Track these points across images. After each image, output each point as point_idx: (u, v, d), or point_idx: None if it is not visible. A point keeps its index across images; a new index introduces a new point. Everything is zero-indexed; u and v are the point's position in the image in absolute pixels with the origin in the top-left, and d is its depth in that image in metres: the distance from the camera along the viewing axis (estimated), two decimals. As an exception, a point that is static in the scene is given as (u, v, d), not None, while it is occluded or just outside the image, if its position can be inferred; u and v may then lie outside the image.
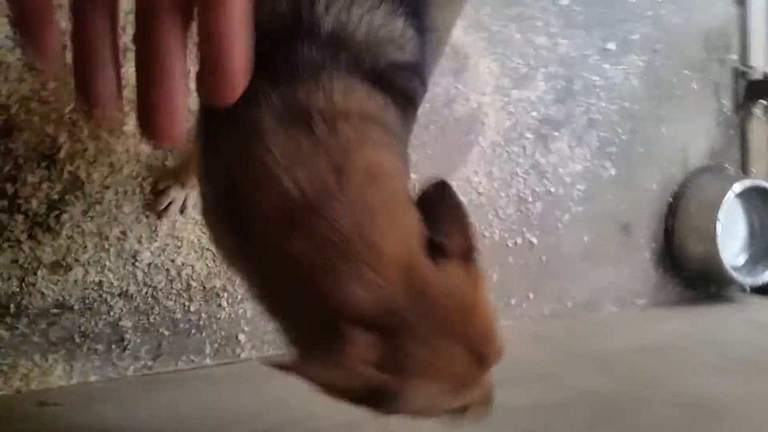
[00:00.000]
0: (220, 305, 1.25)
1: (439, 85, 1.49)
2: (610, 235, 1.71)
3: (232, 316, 1.26)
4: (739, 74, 1.90)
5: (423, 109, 1.43)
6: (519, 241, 1.62)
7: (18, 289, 1.10)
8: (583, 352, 1.41)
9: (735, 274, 1.71)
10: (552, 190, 1.64)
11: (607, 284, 1.73)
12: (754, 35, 1.94)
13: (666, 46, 1.77)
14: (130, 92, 0.26)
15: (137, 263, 1.18)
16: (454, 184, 1.47)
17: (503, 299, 1.62)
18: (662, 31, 1.77)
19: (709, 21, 1.84)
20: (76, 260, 1.14)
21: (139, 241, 1.19)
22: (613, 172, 1.72)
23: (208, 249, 1.23)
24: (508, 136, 1.58)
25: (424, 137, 1.48)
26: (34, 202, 1.11)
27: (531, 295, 1.66)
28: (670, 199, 1.79)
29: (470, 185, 1.55)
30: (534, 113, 1.61)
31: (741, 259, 1.82)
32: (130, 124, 1.14)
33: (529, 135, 1.61)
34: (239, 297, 1.26)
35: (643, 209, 1.77)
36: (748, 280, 1.74)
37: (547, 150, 1.63)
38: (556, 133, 1.64)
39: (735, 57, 1.90)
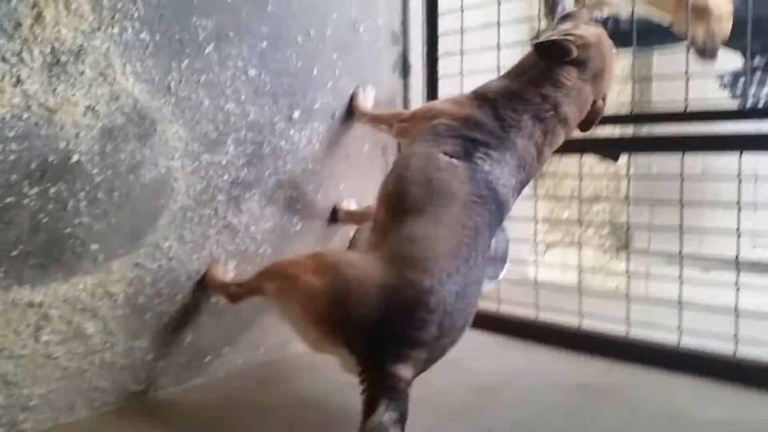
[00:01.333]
0: None
1: (123, 150, 1.49)
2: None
3: None
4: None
5: (104, 177, 1.43)
6: (214, 299, 1.72)
7: None
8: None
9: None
10: (244, 248, 1.78)
11: (296, 329, 1.94)
12: (414, 103, 2.39)
13: (341, 114, 2.06)
14: None
15: None
16: (142, 252, 1.50)
17: (198, 359, 1.71)
18: (340, 100, 2.06)
19: (381, 92, 2.20)
20: None
21: None
22: (299, 227, 1.94)
23: None
24: (199, 199, 1.66)
25: (106, 205, 1.47)
26: None
27: (226, 350, 1.77)
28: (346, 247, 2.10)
29: (160, 251, 1.59)
30: (225, 176, 1.72)
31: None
32: None
33: (221, 197, 1.72)
34: None
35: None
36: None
37: (239, 210, 1.77)
38: (247, 195, 1.78)
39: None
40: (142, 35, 1.51)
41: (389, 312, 1.15)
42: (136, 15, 1.49)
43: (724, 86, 2.55)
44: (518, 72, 1.58)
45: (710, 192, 2.08)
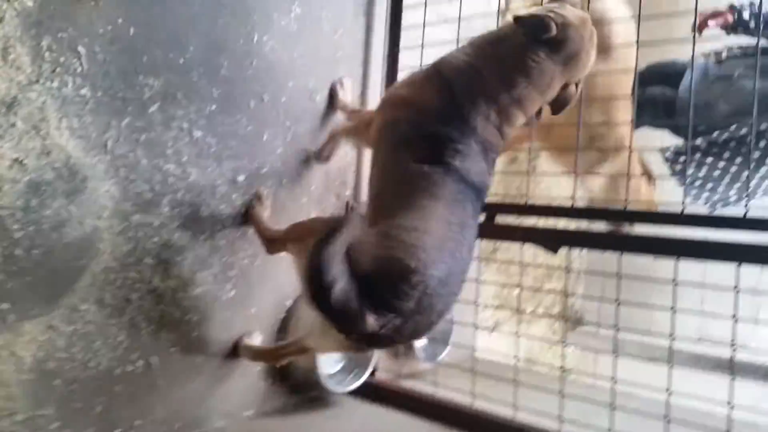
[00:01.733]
0: None
1: (49, 207, 1.44)
2: (221, 353, 1.87)
3: None
4: (349, 207, 2.31)
5: (25, 233, 1.38)
6: (130, 368, 1.64)
7: None
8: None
9: (328, 382, 2.05)
10: (169, 314, 1.72)
11: (217, 400, 1.87)
12: (365, 172, 2.40)
13: (290, 182, 2.05)
14: None
15: None
16: (57, 313, 1.43)
17: (107, 430, 1.61)
18: (289, 166, 2.05)
19: (334, 162, 2.21)
20: None
21: None
22: (232, 293, 1.89)
23: None
24: (124, 262, 1.61)
25: (23, 262, 1.40)
26: None
27: (138, 422, 1.68)
28: (283, 315, 2.06)
29: (77, 314, 1.52)
30: (156, 238, 1.67)
31: (337, 367, 2.19)
32: None
33: (148, 260, 1.66)
34: None
35: (259, 324, 1.99)
36: (338, 388, 2.10)
37: (167, 275, 1.71)
38: (178, 258, 1.73)
39: (348, 192, 2.32)
40: (83, 91, 1.48)
41: (376, 275, 1.29)
42: (78, 70, 1.47)
43: (666, 160, 2.64)
44: (485, 44, 1.59)
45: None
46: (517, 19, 1.53)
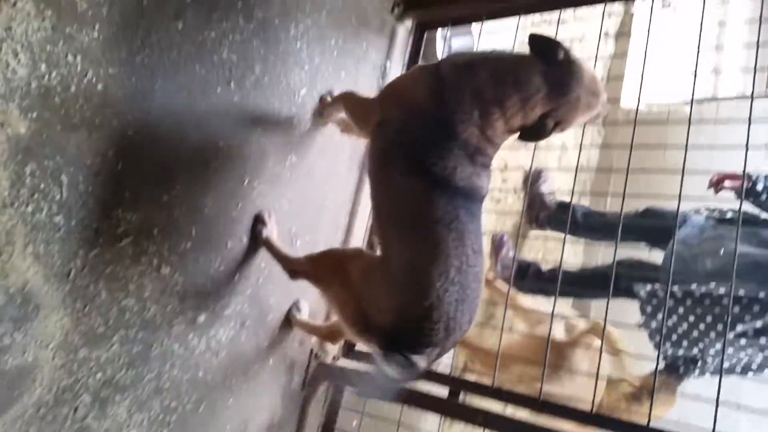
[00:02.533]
0: None
1: (-10, 332, 1.39)
2: None
3: None
4: (313, 355, 2.26)
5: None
6: None
7: None
8: None
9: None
10: (94, 457, 1.62)
11: None
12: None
13: (253, 324, 2.01)
14: None
15: None
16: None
17: None
18: (256, 308, 2.02)
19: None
20: None
21: None
22: (168, 441, 1.79)
23: None
24: (60, 397, 1.53)
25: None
26: None
27: None
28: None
29: (-7, 449, 1.42)
30: (99, 375, 1.61)
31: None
32: None
33: (86, 397, 1.59)
34: None
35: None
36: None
37: (103, 414, 1.63)
38: (118, 397, 1.66)
39: (314, 340, 2.27)
40: (57, 219, 1.49)
41: (401, 326, 1.47)
42: (57, 198, 1.48)
43: (640, 299, 2.65)
44: (495, 52, 1.62)
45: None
46: (531, 35, 1.56)
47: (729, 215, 2.75)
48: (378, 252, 1.76)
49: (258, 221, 1.98)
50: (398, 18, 2.39)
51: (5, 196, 1.40)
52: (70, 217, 1.51)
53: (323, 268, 1.78)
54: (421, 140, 1.53)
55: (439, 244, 1.47)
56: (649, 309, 2.57)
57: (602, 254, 4.02)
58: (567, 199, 3.50)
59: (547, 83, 1.50)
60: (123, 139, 1.59)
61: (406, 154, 1.56)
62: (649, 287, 2.61)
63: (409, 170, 1.53)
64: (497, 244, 3.23)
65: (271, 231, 1.99)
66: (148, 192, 1.67)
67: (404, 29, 2.43)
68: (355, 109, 1.91)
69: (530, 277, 3.12)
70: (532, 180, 3.46)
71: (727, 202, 2.82)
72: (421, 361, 1.45)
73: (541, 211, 3.37)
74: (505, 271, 3.18)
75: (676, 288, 2.50)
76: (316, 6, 2.08)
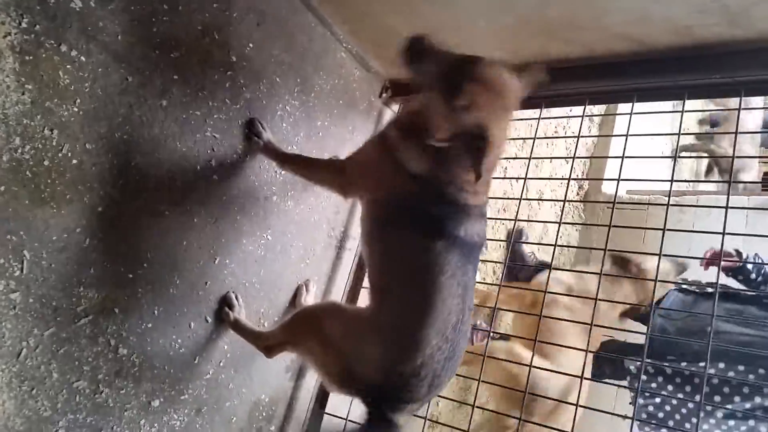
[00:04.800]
0: None
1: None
2: None
3: None
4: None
5: None
6: None
7: None
8: None
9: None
10: None
11: None
12: (299, 404, 2.30)
13: (210, 411, 1.94)
14: None
15: None
16: None
17: None
18: (215, 394, 1.95)
19: (262, 391, 2.12)
20: None
21: None
22: None
23: None
24: (-9, 488, 1.44)
25: None
26: None
27: None
28: None
29: None
30: (37, 463, 1.52)
31: None
32: None
33: (20, 488, 1.50)
34: None
35: None
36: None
37: (36, 507, 1.53)
38: (56, 489, 1.57)
39: (273, 428, 2.19)
40: (13, 296, 1.44)
41: (389, 383, 1.50)
42: (16, 274, 1.44)
43: (628, 374, 2.72)
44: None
45: None
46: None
47: (709, 290, 2.79)
48: (361, 305, 1.78)
49: (225, 303, 1.93)
50: (385, 102, 2.44)
51: (-39, 270, 1.36)
52: (27, 294, 1.46)
53: (299, 333, 1.78)
54: (429, 212, 1.54)
55: (440, 300, 1.49)
56: (636, 384, 2.59)
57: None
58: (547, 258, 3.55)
59: (438, 96, 1.47)
60: (93, 215, 1.57)
61: (405, 220, 1.57)
62: (635, 365, 2.65)
63: (410, 230, 1.55)
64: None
65: (239, 312, 1.95)
66: (114, 269, 1.64)
67: (390, 113, 2.47)
68: (324, 183, 1.91)
69: None
70: (515, 238, 3.51)
71: (707, 276, 2.88)
72: (399, 419, 1.52)
73: (521, 269, 3.41)
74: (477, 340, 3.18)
75: (666, 365, 2.54)
76: (306, 88, 2.11)
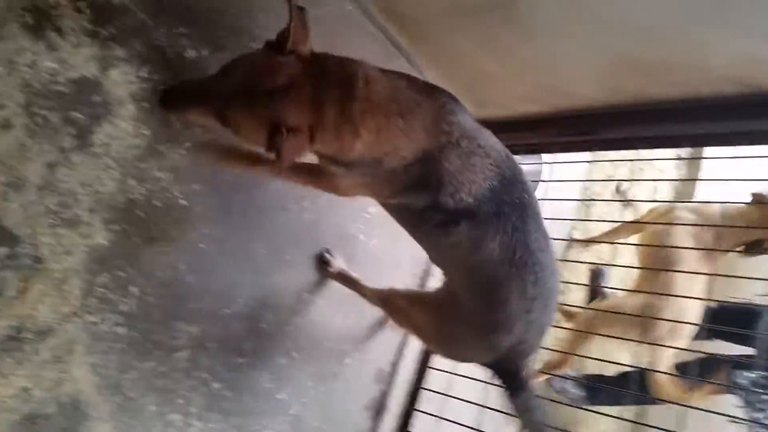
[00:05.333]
0: None
1: None
2: None
3: None
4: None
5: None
6: None
7: None
8: None
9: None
10: None
11: None
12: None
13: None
14: None
15: None
16: None
17: None
18: (297, 430, 1.97)
19: (343, 429, 2.12)
20: None
21: None
22: None
23: None
24: None
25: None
26: None
27: None
28: None
29: None
30: (133, 492, 1.57)
31: None
32: None
33: None
34: None
35: None
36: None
37: None
38: None
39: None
40: (119, 329, 1.50)
41: (499, 359, 1.59)
42: (123, 309, 1.51)
43: (736, 386, 2.67)
44: None
45: None
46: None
47: None
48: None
49: (323, 261, 2.00)
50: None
51: (75, 305, 1.43)
52: (131, 328, 1.53)
53: (394, 317, 1.91)
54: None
55: (496, 277, 1.44)
56: (750, 397, 2.47)
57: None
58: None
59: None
60: (196, 252, 1.63)
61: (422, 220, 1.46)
62: (753, 375, 2.54)
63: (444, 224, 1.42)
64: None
65: (342, 265, 2.04)
66: (211, 305, 1.69)
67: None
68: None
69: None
70: (594, 276, 3.42)
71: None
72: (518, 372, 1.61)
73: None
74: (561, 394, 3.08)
75: None
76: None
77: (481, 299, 1.50)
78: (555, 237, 1.60)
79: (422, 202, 1.40)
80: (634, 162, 3.79)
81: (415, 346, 2.39)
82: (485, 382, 2.17)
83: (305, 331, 1.97)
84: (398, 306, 1.83)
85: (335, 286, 2.04)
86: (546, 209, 2.02)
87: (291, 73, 1.28)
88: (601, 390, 2.98)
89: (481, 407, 2.16)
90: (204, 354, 1.69)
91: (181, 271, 1.61)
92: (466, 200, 1.36)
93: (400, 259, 2.29)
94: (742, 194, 2.70)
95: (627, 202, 3.99)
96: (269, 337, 1.85)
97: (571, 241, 3.37)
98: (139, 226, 1.51)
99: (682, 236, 2.65)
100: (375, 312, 2.21)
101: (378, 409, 2.28)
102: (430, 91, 1.42)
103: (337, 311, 2.07)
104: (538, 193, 2.52)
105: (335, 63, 1.35)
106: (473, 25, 1.87)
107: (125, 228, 1.49)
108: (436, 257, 1.66)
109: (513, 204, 1.40)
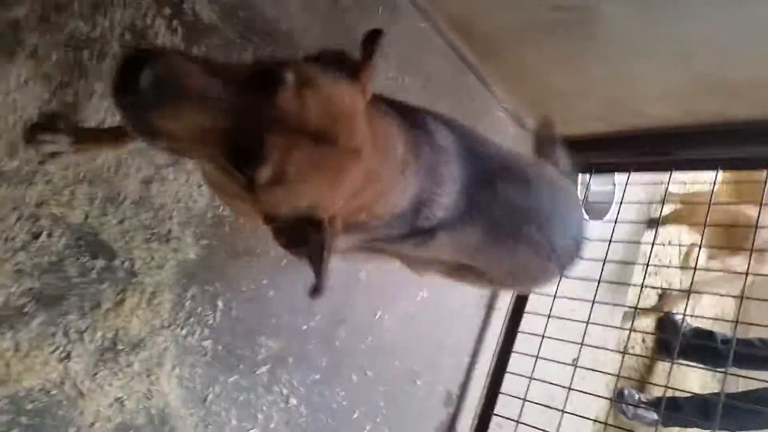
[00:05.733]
0: None
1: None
2: None
3: None
4: None
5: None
6: None
7: None
8: None
9: None
10: None
11: None
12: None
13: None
14: None
15: None
16: None
17: None
18: (369, 451, 1.96)
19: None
20: None
21: None
22: None
23: None
24: None
25: None
26: None
27: None
28: None
29: None
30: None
31: None
32: None
33: None
34: None
35: None
36: None
37: None
38: None
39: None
40: (206, 343, 1.53)
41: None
42: (210, 322, 1.53)
43: None
44: None
45: None
46: None
47: None
48: None
49: None
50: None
51: (165, 318, 1.47)
52: (217, 341, 1.55)
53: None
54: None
55: (506, 250, 1.41)
56: None
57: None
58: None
59: None
60: (278, 267, 1.65)
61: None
62: None
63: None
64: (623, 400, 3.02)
65: None
66: (291, 321, 1.71)
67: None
68: None
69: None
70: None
71: None
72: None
73: (674, 339, 3.11)
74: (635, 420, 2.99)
75: None
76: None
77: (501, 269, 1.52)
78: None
79: (396, 232, 1.20)
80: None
81: (482, 370, 2.35)
82: (557, 409, 2.14)
83: (377, 350, 1.96)
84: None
85: (404, 305, 2.03)
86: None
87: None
88: (675, 412, 2.87)
89: None
90: (283, 369, 1.70)
91: (264, 285, 1.64)
92: (440, 215, 1.21)
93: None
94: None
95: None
96: (343, 354, 1.86)
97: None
98: (226, 241, 1.55)
99: None
100: (442, 333, 2.20)
101: (447, 429, 2.25)
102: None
103: (408, 331, 2.06)
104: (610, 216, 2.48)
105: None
106: (547, 41, 1.87)
107: (213, 243, 1.52)
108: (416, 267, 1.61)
109: (482, 183, 1.27)
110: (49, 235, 1.28)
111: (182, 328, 1.49)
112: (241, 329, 1.60)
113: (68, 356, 1.32)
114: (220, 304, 1.55)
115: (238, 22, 1.55)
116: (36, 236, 1.27)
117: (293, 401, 1.74)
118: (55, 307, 1.30)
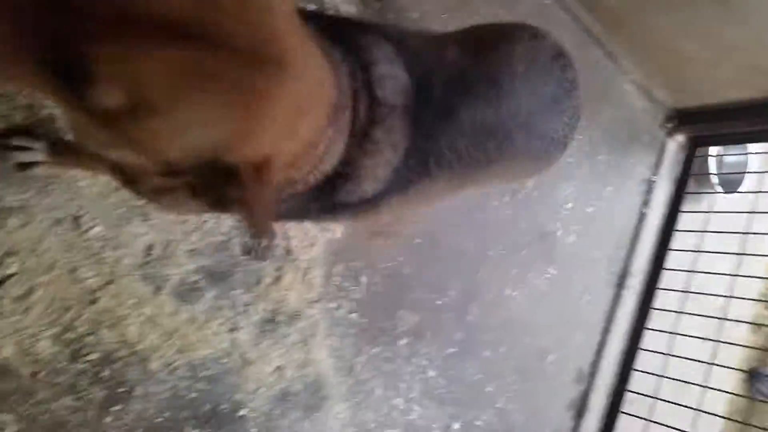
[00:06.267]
0: None
1: (287, 417, 1.55)
2: None
3: None
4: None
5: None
6: None
7: None
8: None
9: None
10: None
11: None
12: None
13: (501, 440, 2.00)
14: None
15: None
16: None
17: None
18: (504, 423, 2.01)
19: (546, 427, 2.13)
20: None
21: None
22: None
23: None
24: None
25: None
26: None
27: None
28: None
29: None
30: (363, 470, 1.70)
31: None
32: None
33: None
34: None
35: None
36: None
37: None
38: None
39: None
40: (352, 315, 1.64)
41: None
42: (356, 296, 1.65)
43: None
44: None
45: None
46: None
47: None
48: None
49: None
50: (669, 133, 2.34)
51: (318, 292, 1.59)
52: (362, 314, 1.66)
53: None
54: None
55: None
56: None
57: None
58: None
59: None
60: (412, 246, 1.74)
61: None
62: None
63: None
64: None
65: None
66: (426, 296, 1.79)
67: (675, 144, 2.37)
68: None
69: None
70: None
71: None
72: None
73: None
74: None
75: None
76: (593, 122, 2.12)
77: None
78: None
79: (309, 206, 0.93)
80: None
81: (614, 348, 2.33)
82: (699, 385, 2.10)
83: (507, 326, 2.00)
84: None
85: (534, 282, 2.06)
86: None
87: None
88: None
89: (694, 410, 2.07)
90: (422, 342, 1.79)
91: (400, 263, 1.73)
92: (372, 188, 0.91)
93: (598, 257, 2.26)
94: None
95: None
96: (476, 329, 1.91)
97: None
98: (365, 221, 1.65)
99: None
100: (571, 310, 2.20)
101: (579, 409, 2.25)
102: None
103: (537, 308, 2.08)
104: (744, 186, 2.37)
105: None
106: (677, 6, 1.83)
107: (356, 225, 1.63)
108: None
109: (439, 124, 0.95)
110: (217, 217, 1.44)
111: (331, 302, 1.61)
112: (382, 303, 1.70)
113: (236, 327, 1.47)
114: (363, 279, 1.66)
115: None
116: (205, 220, 1.43)
117: (431, 373, 1.82)
118: (224, 283, 1.46)
